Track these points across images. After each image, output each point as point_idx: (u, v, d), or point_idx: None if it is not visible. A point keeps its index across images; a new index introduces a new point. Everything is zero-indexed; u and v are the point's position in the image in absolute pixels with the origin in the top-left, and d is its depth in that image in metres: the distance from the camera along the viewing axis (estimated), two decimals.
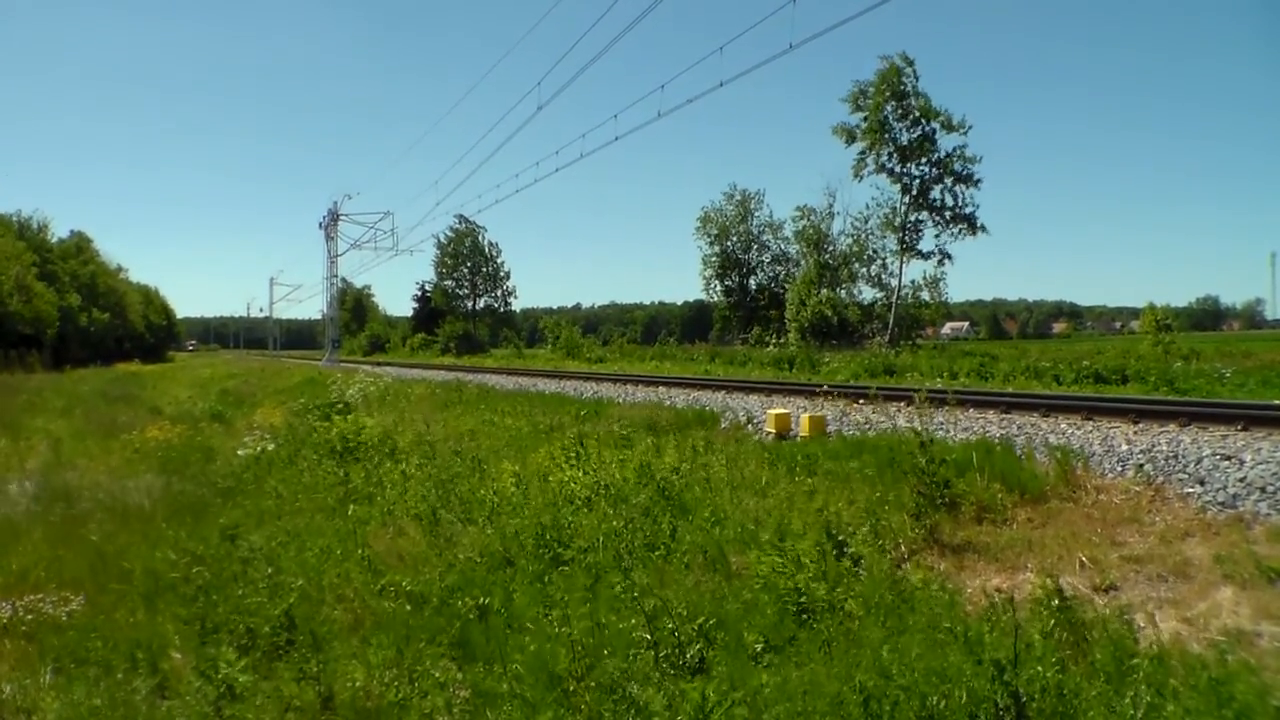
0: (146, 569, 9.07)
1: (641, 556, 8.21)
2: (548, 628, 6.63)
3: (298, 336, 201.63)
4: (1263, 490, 8.07)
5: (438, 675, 6.15)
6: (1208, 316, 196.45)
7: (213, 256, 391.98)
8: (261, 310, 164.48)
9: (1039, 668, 4.69)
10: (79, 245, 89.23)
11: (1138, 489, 8.75)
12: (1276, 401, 13.64)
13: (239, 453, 17.00)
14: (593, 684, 5.48)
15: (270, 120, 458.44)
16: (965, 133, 49.86)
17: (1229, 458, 9.00)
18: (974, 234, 50.64)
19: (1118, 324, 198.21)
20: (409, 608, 7.61)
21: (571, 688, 5.49)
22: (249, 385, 42.09)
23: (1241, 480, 8.37)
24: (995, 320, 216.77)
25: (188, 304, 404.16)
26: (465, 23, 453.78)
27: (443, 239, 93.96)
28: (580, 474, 11.43)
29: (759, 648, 6.09)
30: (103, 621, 7.81)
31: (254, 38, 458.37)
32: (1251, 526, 7.54)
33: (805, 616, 6.46)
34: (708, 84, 21.40)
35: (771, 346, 49.69)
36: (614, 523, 9.07)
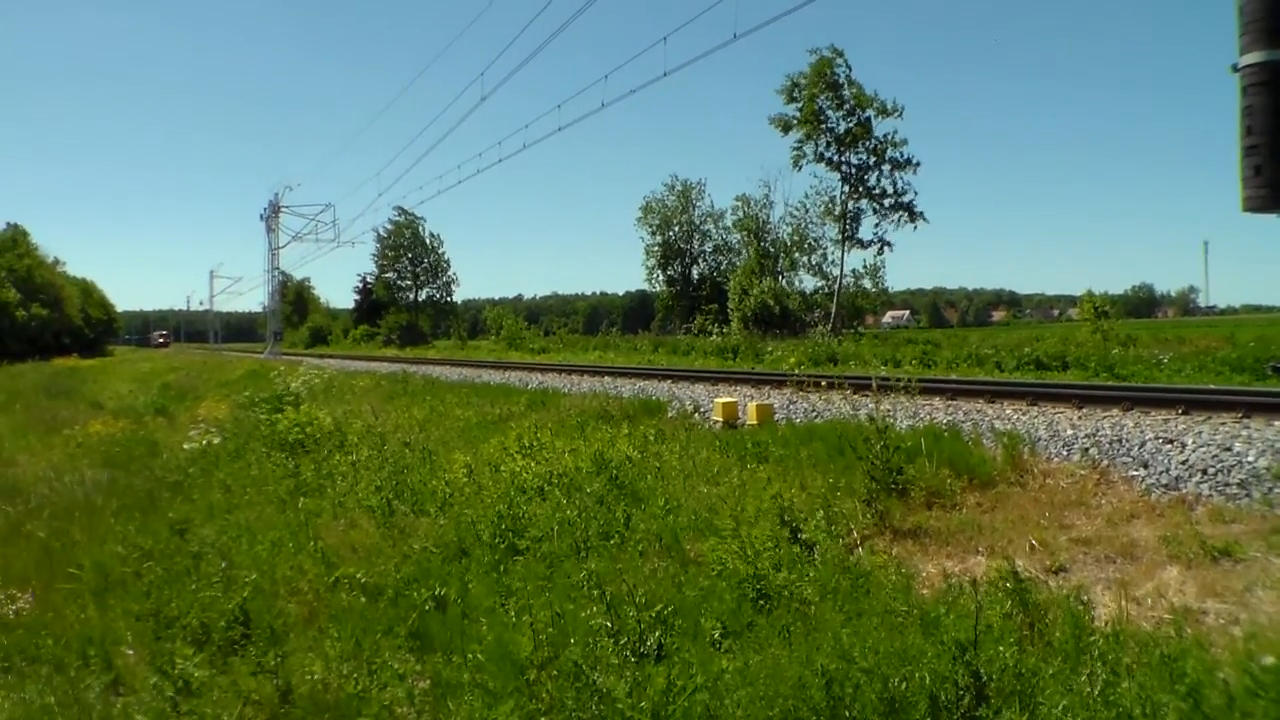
0: (96, 565, 8.90)
1: (597, 545, 8.20)
2: (505, 617, 6.60)
3: (238, 329, 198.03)
4: (1204, 472, 8.29)
5: (396, 666, 6.10)
6: (1143, 304, 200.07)
7: (151, 249, 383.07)
8: (201, 303, 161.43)
9: (999, 648, 4.76)
10: (14, 238, 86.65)
11: (1083, 473, 8.93)
12: (1213, 386, 13.99)
13: (185, 446, 16.70)
14: (555, 672, 5.46)
15: (210, 111, 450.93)
16: (899, 116, 50.20)
17: (1171, 441, 9.21)
18: (913, 221, 51.08)
19: (1055, 311, 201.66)
20: (364, 600, 7.55)
21: (533, 676, 5.47)
22: (191, 379, 41.31)
23: (1184, 463, 8.59)
24: (936, 308, 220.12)
25: (126, 297, 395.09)
26: (408, 12, 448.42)
27: (383, 231, 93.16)
28: (532, 464, 11.39)
29: (717, 634, 6.11)
30: (52, 619, 7.70)
31: (192, 26, 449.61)
32: (1194, 507, 7.76)
33: (763, 603, 6.49)
34: (652, 74, 21.44)
35: (714, 336, 49.94)
36: (568, 512, 9.04)
